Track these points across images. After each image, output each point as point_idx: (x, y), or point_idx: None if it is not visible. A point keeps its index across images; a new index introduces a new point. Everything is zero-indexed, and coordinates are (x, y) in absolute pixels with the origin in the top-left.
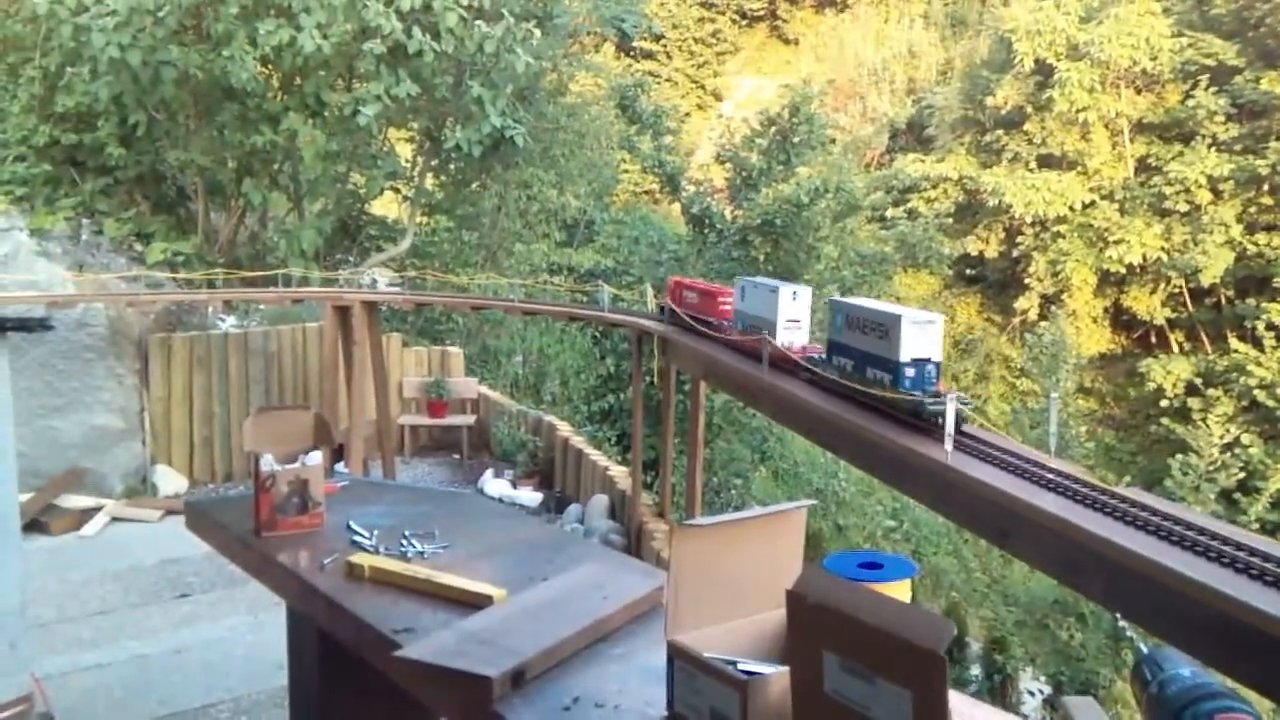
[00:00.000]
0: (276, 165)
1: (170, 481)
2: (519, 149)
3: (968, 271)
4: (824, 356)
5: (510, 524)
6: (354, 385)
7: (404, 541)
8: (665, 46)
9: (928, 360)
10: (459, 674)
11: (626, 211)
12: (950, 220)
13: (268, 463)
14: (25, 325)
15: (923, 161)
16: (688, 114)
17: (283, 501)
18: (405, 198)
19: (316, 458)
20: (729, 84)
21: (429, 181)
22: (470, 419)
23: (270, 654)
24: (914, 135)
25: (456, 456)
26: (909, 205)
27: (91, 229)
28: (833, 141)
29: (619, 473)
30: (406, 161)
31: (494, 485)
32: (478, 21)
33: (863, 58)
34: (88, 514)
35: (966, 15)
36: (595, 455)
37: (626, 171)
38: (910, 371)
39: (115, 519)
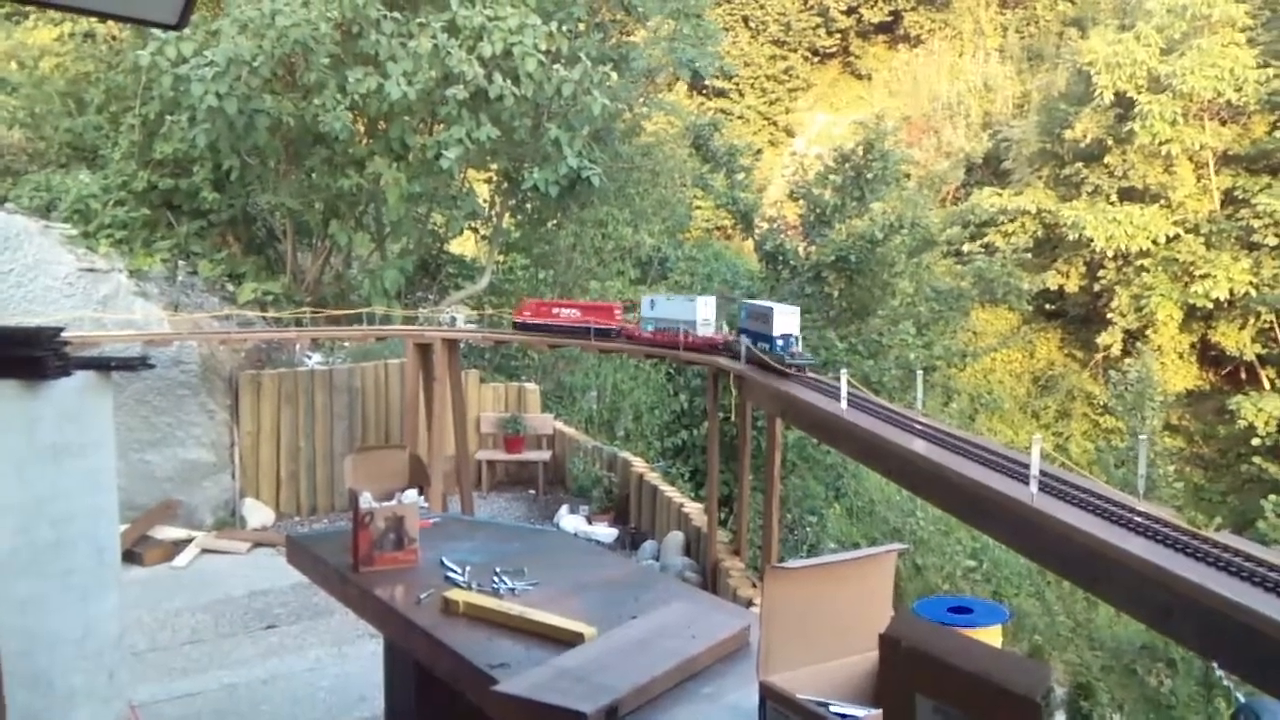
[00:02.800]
0: (361, 207)
1: (258, 514)
2: (594, 188)
3: (1047, 306)
4: (736, 338)
5: (595, 561)
6: (434, 421)
7: (495, 578)
8: (737, 84)
9: (790, 334)
10: (555, 710)
11: (699, 248)
12: (1029, 255)
13: (366, 500)
14: (129, 365)
15: (999, 195)
16: (760, 151)
17: (380, 537)
18: (483, 237)
19: (412, 495)
20: (801, 120)
21: (506, 221)
22: (546, 455)
23: (353, 686)
24: (990, 169)
25: (532, 492)
26: (986, 240)
27: (186, 270)
28: (907, 177)
29: (694, 509)
30: (485, 201)
31: (569, 521)
32: (556, 66)
33: (937, 92)
34: (179, 545)
35: (1043, 48)
36: (670, 492)
37: (699, 208)
38: (780, 341)
39: (205, 550)
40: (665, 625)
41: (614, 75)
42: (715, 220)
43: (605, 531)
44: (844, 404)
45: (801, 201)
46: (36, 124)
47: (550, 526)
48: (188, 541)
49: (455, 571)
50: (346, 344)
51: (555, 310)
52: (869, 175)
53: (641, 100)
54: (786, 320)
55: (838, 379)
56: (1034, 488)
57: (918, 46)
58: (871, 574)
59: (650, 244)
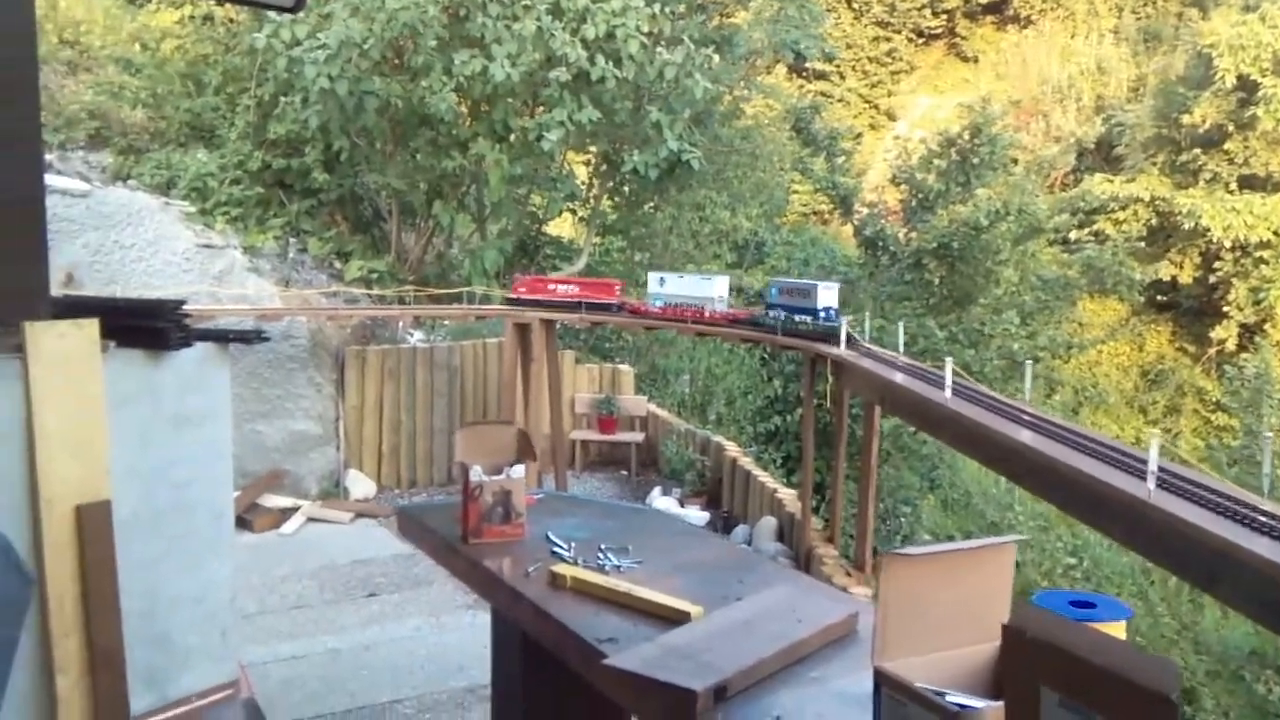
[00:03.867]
0: (464, 188)
1: (361, 486)
2: (694, 172)
3: (1159, 298)
4: (764, 314)
5: (696, 542)
6: (531, 400)
7: (600, 554)
8: (838, 66)
9: (832, 307)
10: (665, 686)
11: (795, 233)
12: (1141, 244)
13: (476, 474)
14: (245, 338)
15: (1111, 182)
16: (860, 134)
17: (489, 511)
18: (581, 218)
19: (520, 471)
20: (903, 103)
21: (604, 203)
22: (639, 436)
23: (451, 656)
24: (1101, 155)
25: (624, 472)
26: (1095, 227)
27: (297, 247)
28: (1015, 162)
29: (787, 495)
30: (583, 183)
31: (662, 502)
32: (658, 48)
33: (1047, 74)
34: (286, 513)
35: (1161, 30)
36: (763, 477)
37: (796, 192)
38: (823, 313)
39: (311, 519)
40: (770, 608)
41: (716, 58)
42: (813, 204)
43: (697, 514)
44: (948, 392)
45: (903, 186)
46: (158, 104)
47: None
48: (294, 510)
49: (561, 547)
50: (447, 322)
51: (551, 286)
52: (975, 160)
53: (742, 83)
54: (828, 295)
55: (940, 367)
56: (1152, 484)
57: (1028, 27)
58: (991, 564)
59: (748, 228)
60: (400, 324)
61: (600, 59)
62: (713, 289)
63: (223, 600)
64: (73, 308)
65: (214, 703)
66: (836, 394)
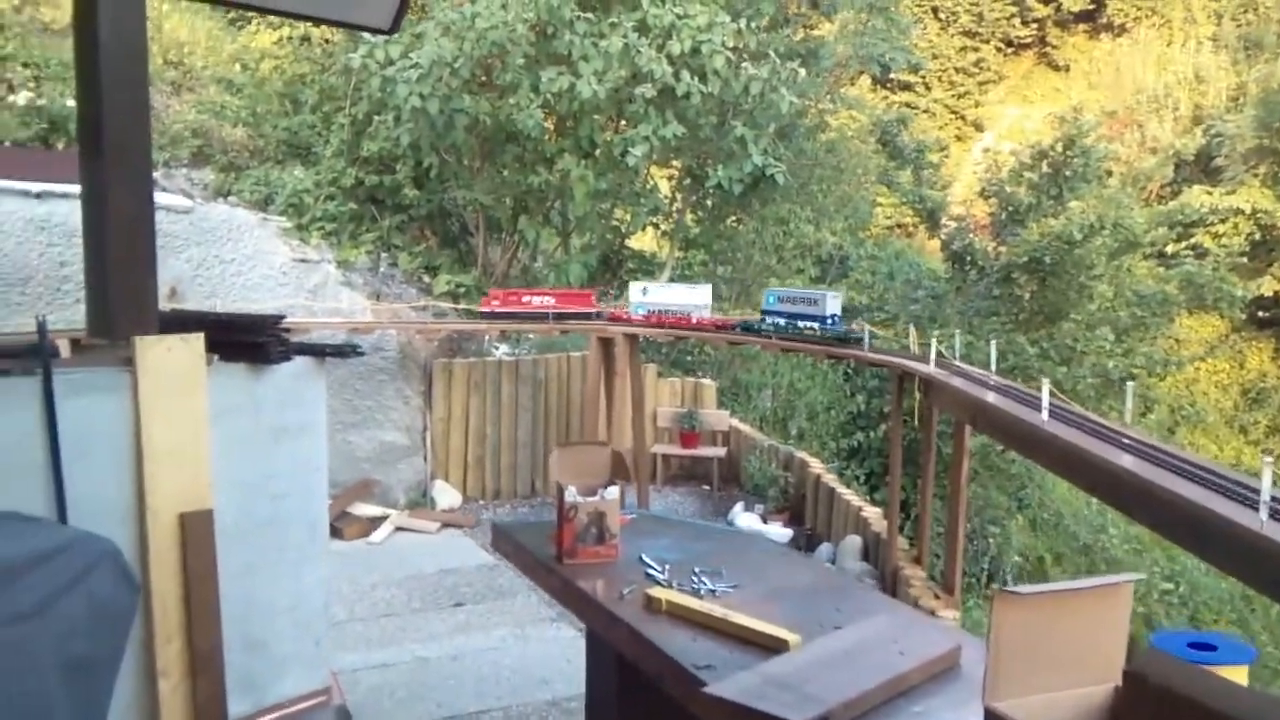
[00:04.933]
0: (549, 203)
1: (447, 496)
2: (778, 186)
3: (1260, 314)
4: (759, 321)
5: (790, 566)
6: (614, 414)
7: (694, 578)
8: (924, 77)
9: (837, 314)
10: (768, 717)
11: (879, 246)
12: (1242, 258)
13: (571, 494)
14: (341, 352)
15: (1210, 194)
16: (946, 146)
17: (583, 531)
18: (664, 232)
19: (614, 492)
20: (991, 114)
21: (687, 217)
22: (721, 451)
23: (535, 669)
24: (1200, 166)
25: (706, 487)
26: (1194, 241)
27: (388, 261)
28: (1109, 174)
29: (872, 514)
30: (666, 197)
31: (744, 519)
32: (744, 64)
33: (1142, 84)
34: (375, 522)
35: (1262, 37)
36: (848, 494)
37: (879, 204)
38: (829, 320)
39: (399, 528)
40: (871, 638)
41: (801, 71)
42: (897, 217)
43: (780, 531)
44: (1045, 414)
45: (992, 199)
46: (257, 123)
47: (726, 524)
48: (383, 519)
49: (655, 569)
50: (531, 336)
51: (526, 299)
52: (1068, 172)
53: (828, 95)
54: (833, 303)
55: (1034, 386)
56: (1264, 514)
57: (1121, 35)
58: (1106, 604)
59: (832, 242)
60: (486, 337)
61: (686, 75)
62: (696, 297)
63: (317, 608)
64: (178, 322)
65: (307, 709)
66: (924, 412)
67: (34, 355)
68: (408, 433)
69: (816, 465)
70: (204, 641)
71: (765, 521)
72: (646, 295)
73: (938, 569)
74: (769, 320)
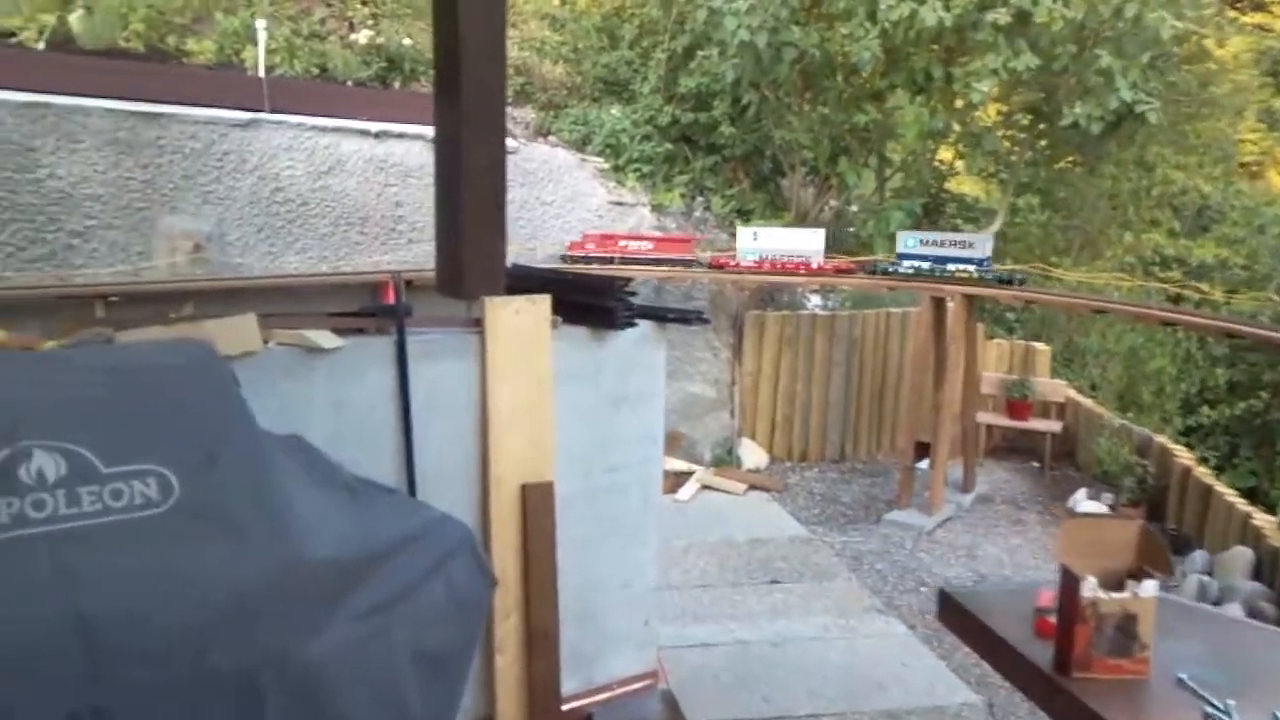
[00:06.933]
0: (871, 144)
1: (753, 456)
2: (1146, 126)
3: None
4: (891, 264)
5: None
6: (945, 382)
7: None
8: None
9: (988, 257)
10: None
11: (1252, 196)
12: None
13: (1090, 586)
14: (684, 319)
15: None
16: None
17: (1101, 637)
18: (991, 175)
19: (1151, 587)
20: None
21: (1022, 159)
22: (1056, 425)
23: (866, 669)
24: None
25: (1036, 464)
26: None
27: (700, 205)
28: None
29: (1266, 522)
30: (1004, 137)
31: (1088, 507)
32: None
33: None
34: (681, 478)
35: None
36: (1230, 495)
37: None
38: (984, 262)
39: (705, 487)
40: None
41: None
42: (1267, 162)
43: None
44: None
45: None
46: (577, 59)
47: (1068, 511)
48: (689, 475)
49: (1212, 704)
50: (845, 288)
51: (621, 243)
52: None
53: (1215, 18)
54: (985, 246)
55: None
56: None
57: None
58: None
59: (1205, 190)
60: (800, 289)
61: None
62: (810, 242)
63: (648, 585)
64: (522, 280)
65: (635, 691)
66: None
67: (389, 315)
68: (715, 386)
69: (1185, 456)
70: (542, 618)
71: (1115, 513)
72: (757, 240)
73: None
74: (907, 264)
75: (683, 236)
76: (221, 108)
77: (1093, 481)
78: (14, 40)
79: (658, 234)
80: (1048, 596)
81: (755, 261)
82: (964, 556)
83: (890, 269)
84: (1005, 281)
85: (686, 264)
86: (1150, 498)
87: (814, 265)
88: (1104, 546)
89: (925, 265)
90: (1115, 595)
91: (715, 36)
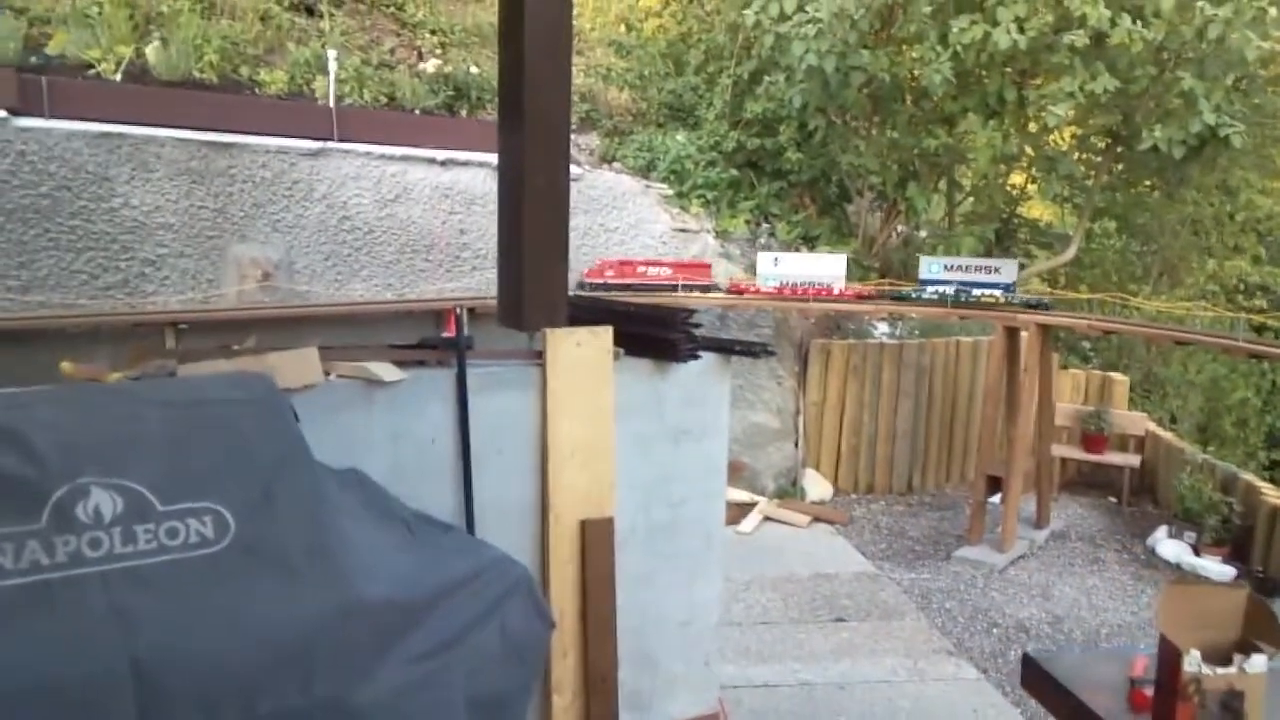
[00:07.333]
0: (941, 169)
1: (817, 487)
2: (1233, 150)
3: None
4: (916, 291)
5: None
6: (1018, 413)
7: None
8: None
9: (1013, 282)
10: None
11: None
12: None
13: (1194, 660)
14: (751, 351)
15: None
16: None
17: (1206, 715)
18: (1065, 199)
19: (1261, 663)
20: None
21: (1098, 184)
22: (1135, 459)
23: (938, 717)
24: None
25: (1113, 500)
26: None
27: (765, 231)
28: None
29: None
30: (1080, 161)
31: (1168, 546)
32: (1200, 2)
33: None
34: (744, 509)
35: None
36: None
37: None
38: (1010, 288)
39: (767, 518)
40: None
41: (1272, 10)
42: None
43: (1218, 568)
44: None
45: None
46: (643, 86)
47: (1146, 549)
48: (751, 506)
49: None
50: (913, 316)
51: (641, 269)
52: None
53: None
54: (1010, 270)
55: None
56: None
57: None
58: None
59: None
60: (866, 316)
61: (1124, 18)
62: (831, 268)
63: (709, 624)
64: (585, 310)
65: None
66: None
67: (450, 347)
68: (779, 415)
69: (1273, 494)
70: (600, 658)
71: (1198, 554)
72: (778, 266)
73: None
74: (931, 290)
75: (701, 261)
76: (292, 137)
77: (1173, 519)
78: (92, 72)
79: (677, 260)
80: (1143, 664)
81: (776, 287)
82: (1038, 596)
83: (914, 295)
84: (1033, 306)
85: (705, 289)
86: (1235, 538)
87: (835, 291)
88: (1208, 617)
89: (950, 290)
90: (1220, 670)
91: (782, 62)
